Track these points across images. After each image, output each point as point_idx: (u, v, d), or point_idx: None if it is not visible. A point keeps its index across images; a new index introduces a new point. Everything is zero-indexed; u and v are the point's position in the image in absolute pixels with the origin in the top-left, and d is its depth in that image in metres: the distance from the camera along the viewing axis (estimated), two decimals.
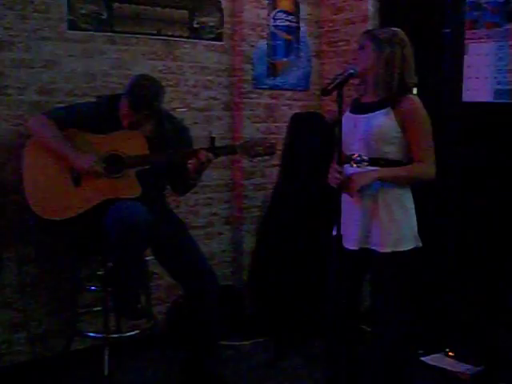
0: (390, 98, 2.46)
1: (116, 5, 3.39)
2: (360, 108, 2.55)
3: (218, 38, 3.84)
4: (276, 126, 4.05)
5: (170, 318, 3.63)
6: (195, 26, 3.73)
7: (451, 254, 3.48)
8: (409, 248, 2.49)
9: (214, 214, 3.92)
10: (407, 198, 2.52)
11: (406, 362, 2.71)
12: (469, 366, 3.23)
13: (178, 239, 2.99)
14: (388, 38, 2.47)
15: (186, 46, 3.70)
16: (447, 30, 3.49)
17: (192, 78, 3.74)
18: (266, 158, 3.02)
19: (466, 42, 3.37)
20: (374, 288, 2.60)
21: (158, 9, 3.56)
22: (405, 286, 2.53)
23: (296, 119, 3.95)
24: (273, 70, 4.04)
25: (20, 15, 3.10)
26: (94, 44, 3.35)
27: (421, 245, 2.53)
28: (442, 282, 3.52)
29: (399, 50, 2.45)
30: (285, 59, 4.09)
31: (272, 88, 4.04)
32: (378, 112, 2.46)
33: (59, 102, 3.18)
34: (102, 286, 3.04)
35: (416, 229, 2.53)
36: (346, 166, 2.50)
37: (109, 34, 3.39)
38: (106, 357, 2.99)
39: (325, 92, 2.35)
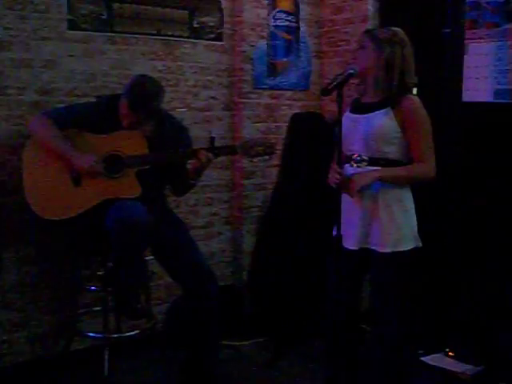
0: (390, 98, 2.46)
1: (116, 5, 3.39)
2: (360, 108, 2.55)
3: (218, 38, 3.84)
4: (276, 126, 4.05)
5: (169, 317, 3.63)
6: (195, 26, 3.72)
7: (451, 254, 3.48)
8: (409, 248, 2.49)
9: (214, 214, 3.92)
10: (407, 198, 2.52)
11: (406, 362, 2.71)
12: (469, 366, 3.23)
13: (178, 239, 2.99)
14: (388, 37, 2.47)
15: (185, 45, 3.70)
16: (447, 30, 3.49)
17: (192, 78, 3.74)
18: (266, 157, 3.02)
19: (466, 42, 3.37)
20: (373, 288, 2.60)
21: (158, 9, 3.56)
22: (405, 285, 2.54)
23: (296, 119, 3.95)
24: (273, 70, 4.04)
25: (20, 15, 3.10)
26: (94, 44, 3.35)
27: (421, 245, 2.53)
28: (442, 282, 3.52)
29: (399, 50, 2.45)
30: (285, 59, 4.09)
31: (272, 88, 4.04)
32: (378, 112, 2.46)
33: (59, 102, 3.18)
34: (101, 286, 3.04)
35: (416, 229, 2.54)
36: (346, 165, 2.51)
37: (109, 34, 3.39)
38: (106, 357, 2.99)
39: (325, 92, 2.35)
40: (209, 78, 3.81)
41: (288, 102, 4.12)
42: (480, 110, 3.33)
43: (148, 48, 3.54)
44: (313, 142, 3.86)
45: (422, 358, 3.33)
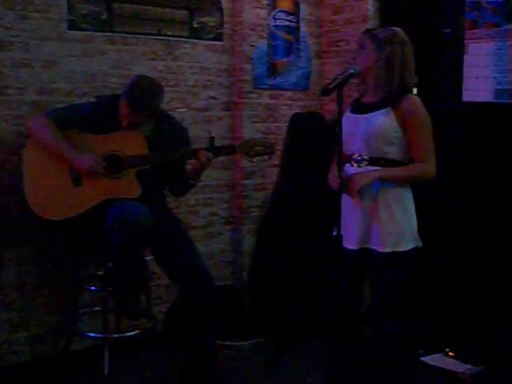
0: (391, 98, 2.46)
1: (116, 5, 3.39)
2: (360, 108, 2.55)
3: (218, 38, 3.84)
4: (276, 126, 4.05)
5: (169, 317, 3.63)
6: (195, 26, 3.72)
7: (451, 254, 3.48)
8: (409, 248, 2.49)
9: (214, 214, 3.92)
10: (407, 198, 2.52)
11: (406, 362, 2.71)
12: (469, 366, 3.23)
13: (177, 240, 2.99)
14: (388, 37, 2.47)
15: (185, 45, 3.70)
16: (447, 30, 3.49)
17: (192, 78, 3.74)
18: (266, 157, 3.02)
19: (466, 42, 3.37)
20: (373, 288, 2.60)
21: (158, 9, 3.56)
22: (405, 285, 2.53)
23: (296, 119, 3.95)
24: (273, 70, 4.04)
25: (20, 15, 3.10)
26: (94, 44, 3.35)
27: (421, 245, 2.53)
28: (442, 282, 3.52)
29: (399, 50, 2.45)
30: (285, 59, 4.09)
31: (272, 88, 4.04)
32: (378, 112, 2.46)
33: (59, 102, 3.18)
34: (101, 286, 3.04)
35: (416, 229, 2.53)
36: (346, 165, 2.51)
37: (109, 33, 3.39)
38: (106, 357, 2.99)
39: (325, 92, 2.35)
40: (209, 77, 3.81)
41: (288, 102, 4.12)
42: (480, 109, 3.33)
43: (148, 48, 3.54)
44: (313, 141, 3.86)
45: (422, 358, 3.33)
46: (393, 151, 2.46)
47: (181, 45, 3.68)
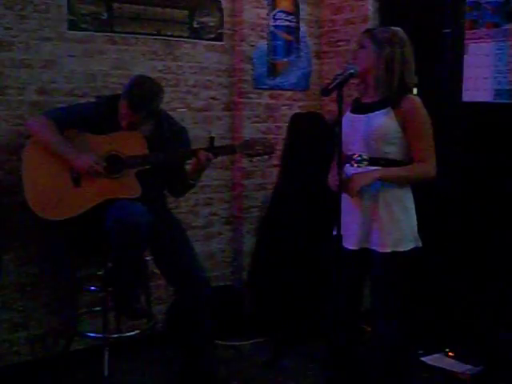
0: (391, 98, 2.46)
1: (116, 5, 3.39)
2: (360, 108, 2.55)
3: (218, 38, 3.84)
4: (276, 126, 4.05)
5: (169, 318, 3.63)
6: (195, 26, 3.72)
7: (451, 254, 3.48)
8: (409, 248, 2.49)
9: (214, 214, 3.92)
10: (407, 198, 2.52)
11: (406, 362, 2.71)
12: (469, 366, 3.23)
13: (175, 242, 2.98)
14: (388, 37, 2.47)
15: (185, 45, 3.70)
16: (447, 30, 3.49)
17: (192, 78, 3.74)
18: (266, 157, 3.02)
19: (466, 42, 3.37)
20: (373, 288, 2.60)
21: (158, 9, 3.56)
22: (405, 285, 2.53)
23: (296, 119, 3.95)
24: (273, 70, 4.03)
25: (20, 15, 3.10)
26: (94, 44, 3.35)
27: (421, 245, 2.53)
28: (442, 282, 3.52)
29: (399, 50, 2.45)
30: (285, 59, 4.09)
31: (272, 88, 4.04)
32: (378, 112, 2.46)
33: (59, 102, 3.18)
34: (101, 286, 3.04)
35: (416, 229, 2.53)
36: (346, 165, 2.51)
37: (109, 33, 3.39)
38: (106, 357, 2.99)
39: (325, 92, 2.35)
40: (209, 77, 3.81)
41: (288, 102, 4.12)
42: (480, 110, 3.33)
43: (148, 48, 3.54)
44: (313, 141, 3.86)
45: (422, 358, 3.33)
46: (393, 151, 2.46)
47: (181, 45, 3.67)
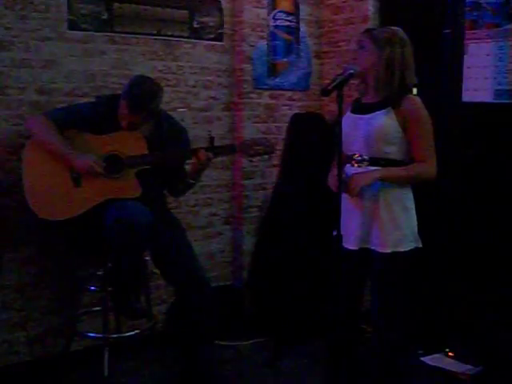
0: (391, 98, 2.46)
1: (116, 5, 3.39)
2: (361, 108, 2.55)
3: (218, 38, 3.84)
4: (276, 126, 4.05)
5: (169, 318, 3.63)
6: (195, 26, 3.72)
7: (451, 254, 3.48)
8: (409, 248, 2.48)
9: (214, 214, 3.92)
10: (408, 198, 2.52)
11: (406, 362, 2.71)
12: (469, 366, 3.23)
13: (175, 242, 2.98)
14: (388, 37, 2.47)
15: (185, 45, 3.70)
16: (447, 30, 3.49)
17: (192, 78, 3.74)
18: (266, 157, 3.02)
19: (466, 42, 3.37)
20: (374, 288, 2.60)
21: (158, 9, 3.56)
22: (405, 286, 2.53)
23: (296, 119, 3.95)
24: (273, 70, 4.04)
25: (20, 15, 3.09)
26: (94, 44, 3.35)
27: (421, 245, 2.53)
28: (442, 282, 3.52)
29: (399, 50, 2.45)
30: (285, 59, 4.09)
31: (272, 88, 4.04)
32: (378, 112, 2.46)
33: (59, 102, 3.18)
34: (101, 286, 3.04)
35: (416, 229, 2.53)
36: (346, 165, 2.51)
37: (109, 33, 3.39)
38: (106, 357, 2.99)
39: (325, 92, 2.34)
40: (209, 78, 3.81)
41: (288, 102, 4.12)
42: (480, 110, 3.34)
43: (148, 48, 3.54)
44: (313, 142, 3.86)
45: (422, 358, 3.33)
46: (393, 151, 2.46)
47: (181, 45, 3.67)
